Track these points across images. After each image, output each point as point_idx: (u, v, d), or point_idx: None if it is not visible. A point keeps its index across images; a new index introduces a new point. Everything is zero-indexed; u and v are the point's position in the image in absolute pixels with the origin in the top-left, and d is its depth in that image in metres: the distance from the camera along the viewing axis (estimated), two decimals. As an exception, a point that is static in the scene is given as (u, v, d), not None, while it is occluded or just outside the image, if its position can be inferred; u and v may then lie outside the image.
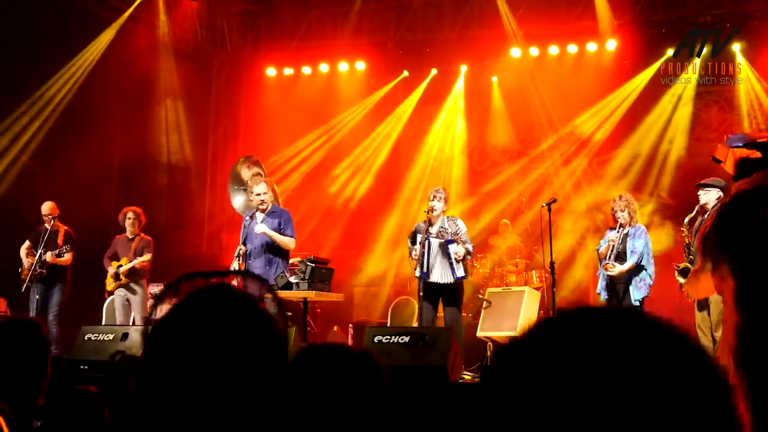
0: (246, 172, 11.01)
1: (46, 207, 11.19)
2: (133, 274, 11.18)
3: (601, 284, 9.41)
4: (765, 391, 3.41)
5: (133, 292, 11.21)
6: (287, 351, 1.57)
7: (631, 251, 9.10)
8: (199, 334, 1.47)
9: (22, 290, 11.21)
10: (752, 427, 3.29)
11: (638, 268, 9.09)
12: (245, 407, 1.45)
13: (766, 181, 3.78)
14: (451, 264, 9.27)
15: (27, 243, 11.21)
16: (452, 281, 9.33)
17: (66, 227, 11.12)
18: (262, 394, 1.47)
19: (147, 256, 11.16)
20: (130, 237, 11.34)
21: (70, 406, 3.51)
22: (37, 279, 10.94)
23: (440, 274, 9.35)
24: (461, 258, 9.28)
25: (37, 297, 10.91)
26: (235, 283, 1.60)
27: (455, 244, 9.28)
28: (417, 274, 9.48)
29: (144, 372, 1.49)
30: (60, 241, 10.99)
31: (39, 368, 3.19)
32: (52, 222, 11.13)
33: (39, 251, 11.00)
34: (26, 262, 11.10)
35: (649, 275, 9.11)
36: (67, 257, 11.03)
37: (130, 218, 11.28)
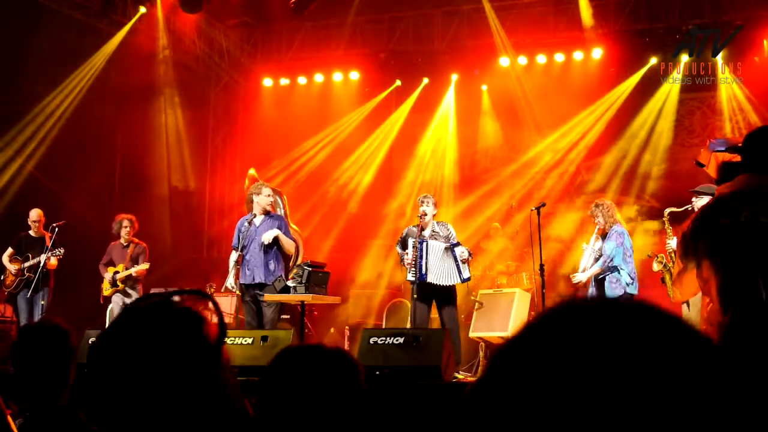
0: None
1: (35, 213, 11.34)
2: (130, 280, 11.33)
3: (591, 289, 9.55)
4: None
5: (130, 297, 11.27)
6: (219, 363, 1.64)
7: (602, 254, 9.26)
8: (130, 346, 1.58)
9: (5, 296, 11.33)
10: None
11: (612, 269, 9.21)
12: (172, 412, 1.54)
13: (747, 184, 3.85)
14: (457, 266, 9.43)
15: (9, 250, 11.32)
16: (458, 282, 9.49)
17: (50, 234, 11.14)
18: (191, 401, 1.56)
19: (145, 265, 11.29)
20: (125, 244, 11.45)
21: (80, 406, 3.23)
22: (23, 284, 11.08)
23: (441, 276, 9.45)
24: (466, 259, 9.48)
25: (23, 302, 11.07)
26: (177, 299, 1.69)
27: (460, 246, 9.49)
28: (410, 278, 9.55)
29: (87, 381, 1.60)
30: (48, 245, 11.02)
31: (63, 372, 3.23)
32: (37, 229, 11.30)
33: (29, 256, 11.11)
34: (11, 268, 11.20)
35: (627, 274, 9.18)
36: (54, 261, 11.14)
37: (126, 226, 11.39)
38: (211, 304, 1.77)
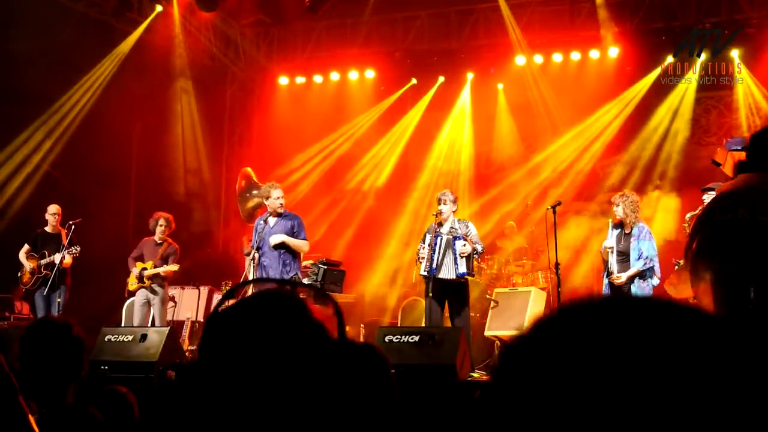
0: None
1: (54, 207, 11.36)
2: (157, 278, 11.30)
3: (605, 289, 9.42)
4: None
5: (154, 293, 11.27)
6: (334, 356, 1.53)
7: (638, 255, 8.99)
8: (251, 330, 1.46)
9: (22, 294, 11.41)
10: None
11: (649, 269, 9.04)
12: (289, 403, 1.42)
13: (746, 183, 3.80)
14: (455, 259, 9.35)
15: (26, 246, 11.32)
16: (454, 277, 9.35)
17: (66, 231, 11.17)
18: (307, 396, 1.44)
19: (174, 266, 11.23)
20: (159, 241, 11.40)
21: (99, 405, 3.34)
22: (41, 282, 11.09)
23: (446, 270, 9.41)
24: (466, 255, 9.33)
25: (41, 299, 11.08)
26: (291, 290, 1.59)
27: (461, 240, 9.37)
28: (422, 272, 9.53)
29: (198, 358, 1.49)
30: (65, 242, 11.06)
31: (72, 368, 3.24)
32: (54, 223, 11.31)
33: (45, 254, 11.12)
34: (27, 265, 11.22)
35: (656, 275, 9.07)
36: (69, 260, 11.15)
37: (162, 225, 11.34)
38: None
